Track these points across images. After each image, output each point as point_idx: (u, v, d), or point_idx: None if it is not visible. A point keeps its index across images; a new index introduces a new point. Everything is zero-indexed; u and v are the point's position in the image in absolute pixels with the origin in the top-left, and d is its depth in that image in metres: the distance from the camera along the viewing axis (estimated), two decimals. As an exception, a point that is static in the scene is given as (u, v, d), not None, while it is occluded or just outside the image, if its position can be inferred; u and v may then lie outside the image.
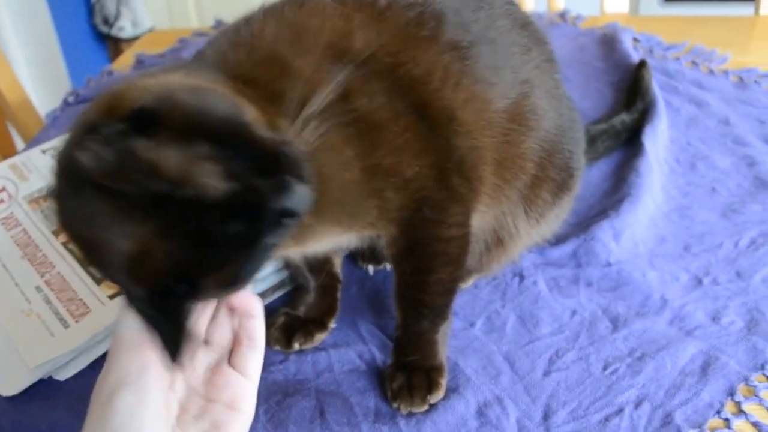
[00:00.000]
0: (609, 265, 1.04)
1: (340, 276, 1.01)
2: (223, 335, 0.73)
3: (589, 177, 1.24)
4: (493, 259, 0.99)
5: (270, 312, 0.97)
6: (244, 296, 0.73)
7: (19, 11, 2.80)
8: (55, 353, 0.92)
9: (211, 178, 0.56)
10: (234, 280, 0.62)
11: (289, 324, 0.97)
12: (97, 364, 0.94)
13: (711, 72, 1.60)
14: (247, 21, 0.80)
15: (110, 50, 3.44)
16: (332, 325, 0.97)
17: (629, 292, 0.99)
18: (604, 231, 1.08)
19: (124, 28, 3.33)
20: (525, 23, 0.94)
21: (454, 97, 0.81)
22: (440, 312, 0.89)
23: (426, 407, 0.85)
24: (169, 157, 0.56)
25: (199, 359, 0.71)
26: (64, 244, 1.09)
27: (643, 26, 1.83)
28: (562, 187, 0.97)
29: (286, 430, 0.83)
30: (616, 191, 1.18)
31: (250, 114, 0.63)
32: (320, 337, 0.96)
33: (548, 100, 0.93)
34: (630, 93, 1.45)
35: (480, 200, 0.87)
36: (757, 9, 1.88)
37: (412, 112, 0.78)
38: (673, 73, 1.59)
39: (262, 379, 0.85)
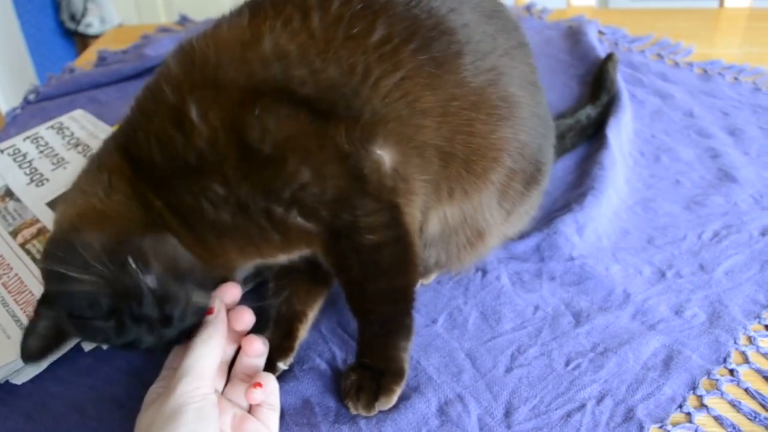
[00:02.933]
0: (572, 259, 1.03)
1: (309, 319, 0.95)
2: (242, 397, 0.80)
3: (553, 171, 1.22)
4: (470, 254, 0.97)
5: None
6: (266, 376, 0.80)
7: (-19, 9, 2.76)
8: (11, 357, 0.90)
9: None
10: None
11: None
12: (54, 369, 0.92)
13: (676, 64, 1.61)
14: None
15: (78, 47, 3.40)
16: (284, 367, 0.90)
17: (592, 287, 0.99)
18: (567, 225, 1.07)
19: (92, 24, 3.29)
20: (492, 12, 0.92)
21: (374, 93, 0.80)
22: (392, 319, 0.86)
23: (374, 413, 0.83)
24: None
25: (226, 408, 0.78)
26: (22, 246, 1.07)
27: (609, 19, 1.83)
28: (531, 180, 0.96)
29: None
30: (580, 185, 1.18)
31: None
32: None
33: (521, 86, 0.91)
34: (595, 86, 1.46)
35: (413, 198, 0.84)
36: (721, 1, 1.89)
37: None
38: (638, 65, 1.59)
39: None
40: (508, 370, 0.87)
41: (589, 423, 0.80)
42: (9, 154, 1.27)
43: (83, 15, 3.26)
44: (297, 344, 0.91)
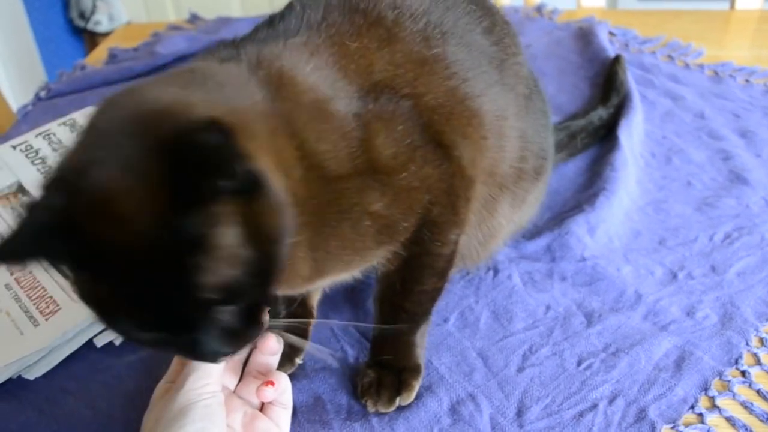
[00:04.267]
0: (584, 259, 1.03)
1: (315, 311, 0.96)
2: (254, 395, 0.78)
3: (564, 172, 1.24)
4: (486, 250, 0.99)
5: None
6: (279, 375, 0.79)
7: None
8: (24, 352, 0.90)
9: None
10: None
11: None
12: (67, 364, 0.93)
13: (686, 66, 1.61)
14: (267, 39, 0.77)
15: (87, 45, 3.40)
16: (299, 360, 0.91)
17: (604, 287, 0.99)
18: (578, 225, 1.07)
19: (101, 22, 3.29)
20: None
21: (461, 121, 0.80)
22: (421, 317, 0.89)
23: (393, 408, 0.83)
24: None
25: (237, 406, 0.77)
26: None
27: (620, 20, 1.83)
28: (539, 171, 0.98)
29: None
30: (591, 186, 1.18)
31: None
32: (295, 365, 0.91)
33: (527, 85, 0.94)
34: (605, 88, 1.45)
35: (471, 217, 0.88)
36: (732, 3, 1.89)
37: (428, 143, 0.76)
38: (649, 67, 1.59)
39: None
40: (520, 369, 0.88)
41: (601, 423, 0.80)
42: (21, 150, 1.27)
43: (92, 12, 3.26)
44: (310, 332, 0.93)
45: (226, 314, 0.61)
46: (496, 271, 1.03)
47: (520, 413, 0.82)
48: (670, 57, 1.65)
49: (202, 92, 0.64)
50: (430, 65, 0.78)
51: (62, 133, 1.32)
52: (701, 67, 1.59)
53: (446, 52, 0.80)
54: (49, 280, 1.01)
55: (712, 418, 0.81)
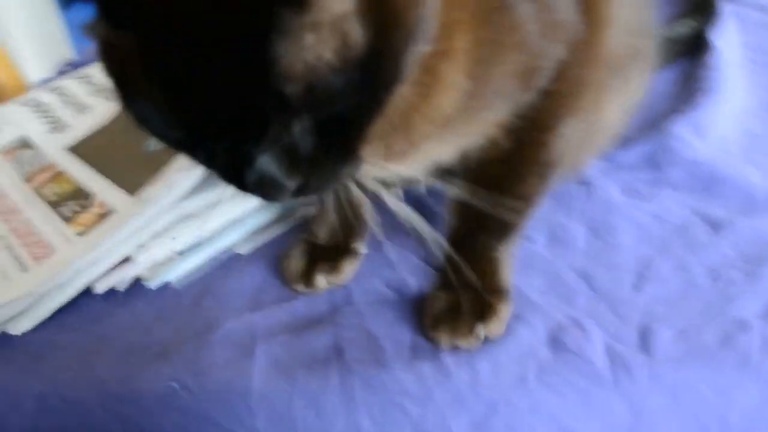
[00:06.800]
0: (697, 163, 0.83)
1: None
2: None
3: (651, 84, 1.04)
4: (583, 154, 0.79)
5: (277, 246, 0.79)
6: None
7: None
8: (6, 297, 0.73)
9: None
10: None
11: (309, 254, 0.76)
12: (59, 316, 0.75)
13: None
14: None
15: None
16: (363, 250, 0.77)
17: (726, 192, 0.79)
18: (683, 128, 0.88)
19: None
20: None
21: None
22: (512, 232, 0.69)
23: (474, 341, 0.64)
24: None
25: None
26: (36, 189, 0.92)
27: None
28: (646, 53, 0.80)
29: (293, 376, 0.63)
30: (688, 90, 0.98)
31: None
32: (350, 268, 0.75)
33: None
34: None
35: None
36: None
37: None
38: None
39: (261, 319, 0.68)
40: (636, 288, 0.68)
41: (759, 343, 0.59)
42: (28, 105, 1.11)
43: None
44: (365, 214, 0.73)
45: (304, 128, 0.42)
46: (588, 185, 0.83)
47: (644, 339, 0.62)
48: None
49: None
50: None
51: (74, 87, 1.15)
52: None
53: None
54: (46, 225, 0.84)
55: None
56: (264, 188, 0.44)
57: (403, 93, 0.49)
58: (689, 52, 1.12)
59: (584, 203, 0.80)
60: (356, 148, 0.46)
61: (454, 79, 0.53)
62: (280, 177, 0.42)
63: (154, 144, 0.82)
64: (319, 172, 0.45)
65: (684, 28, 1.13)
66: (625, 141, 0.88)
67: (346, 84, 0.40)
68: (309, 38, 0.38)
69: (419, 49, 0.44)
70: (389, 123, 0.51)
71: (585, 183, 0.83)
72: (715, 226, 0.74)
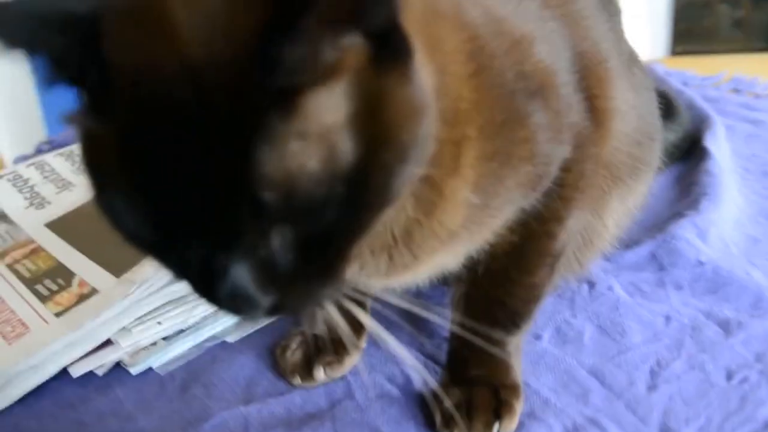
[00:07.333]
0: (701, 264, 0.82)
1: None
2: None
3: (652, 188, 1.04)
4: (584, 257, 0.77)
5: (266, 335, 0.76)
6: None
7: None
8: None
9: None
10: None
11: (306, 345, 0.72)
12: (29, 401, 0.70)
13: (757, 96, 1.43)
14: None
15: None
16: (363, 344, 0.73)
17: (734, 293, 0.78)
18: (685, 230, 0.88)
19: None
20: None
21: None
22: (521, 322, 0.66)
23: None
24: None
25: None
26: (9, 266, 0.88)
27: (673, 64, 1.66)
28: (649, 161, 0.79)
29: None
30: (688, 193, 0.99)
31: None
32: (350, 362, 0.71)
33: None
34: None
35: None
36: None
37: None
38: (716, 98, 1.40)
39: (254, 411, 0.63)
40: (652, 387, 0.65)
41: (786, 446, 0.56)
42: (8, 180, 1.08)
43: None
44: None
45: (284, 242, 0.39)
46: (592, 284, 0.81)
47: (665, 438, 0.58)
48: (737, 90, 1.47)
49: None
50: None
51: (57, 163, 1.12)
52: (774, 95, 1.41)
53: None
54: (20, 302, 0.80)
55: None
56: (236, 303, 0.40)
57: (406, 208, 0.48)
58: (681, 157, 1.13)
59: (588, 302, 0.79)
60: (339, 268, 0.43)
61: (461, 196, 0.51)
62: (253, 291, 0.39)
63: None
64: (296, 290, 0.42)
65: (671, 134, 1.14)
66: (628, 242, 0.86)
67: (329, 198, 0.37)
68: (294, 146, 0.36)
69: (415, 171, 0.42)
70: (391, 237, 0.50)
71: (588, 282, 0.81)
72: (726, 326, 0.73)
